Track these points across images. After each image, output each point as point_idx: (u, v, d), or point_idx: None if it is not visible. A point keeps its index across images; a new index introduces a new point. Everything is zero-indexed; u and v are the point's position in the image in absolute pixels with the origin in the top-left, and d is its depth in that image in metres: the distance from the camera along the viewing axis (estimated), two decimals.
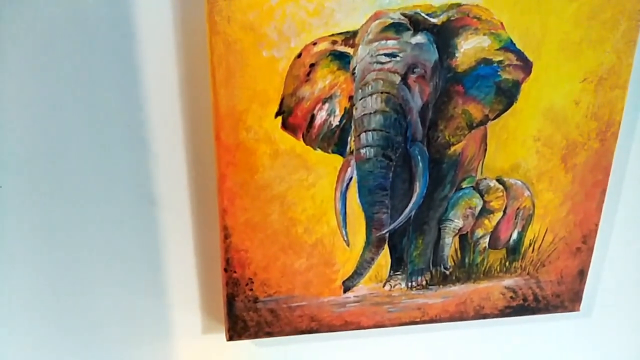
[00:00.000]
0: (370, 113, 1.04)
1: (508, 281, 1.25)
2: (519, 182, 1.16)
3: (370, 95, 1.03)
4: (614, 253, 1.32)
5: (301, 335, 1.21)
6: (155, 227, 1.12)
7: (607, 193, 1.19)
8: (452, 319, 1.26)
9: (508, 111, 1.09)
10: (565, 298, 1.29)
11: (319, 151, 1.06)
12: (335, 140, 1.06)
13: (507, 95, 1.08)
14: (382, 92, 1.03)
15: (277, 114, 1.02)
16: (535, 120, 1.11)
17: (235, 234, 1.09)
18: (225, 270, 1.12)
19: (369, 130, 1.05)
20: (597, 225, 1.22)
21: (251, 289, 1.15)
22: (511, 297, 1.27)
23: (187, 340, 1.24)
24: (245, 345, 1.26)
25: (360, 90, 1.03)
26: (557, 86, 1.09)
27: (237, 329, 1.18)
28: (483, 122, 1.09)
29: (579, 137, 1.14)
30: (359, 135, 1.06)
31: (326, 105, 1.04)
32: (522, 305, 1.28)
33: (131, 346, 1.22)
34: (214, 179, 1.06)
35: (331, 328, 1.22)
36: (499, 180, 1.15)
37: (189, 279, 1.18)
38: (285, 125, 1.03)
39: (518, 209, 1.18)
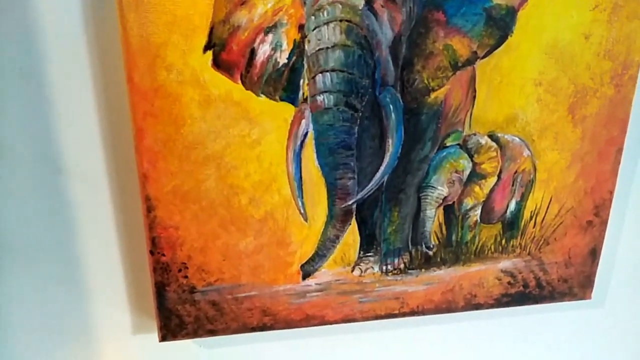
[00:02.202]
0: (327, 48, 0.82)
1: (505, 263, 1.03)
2: (517, 138, 0.94)
3: (326, 24, 0.80)
4: (633, 228, 1.10)
5: (253, 333, 0.99)
6: (65, 202, 0.89)
7: (624, 153, 0.98)
8: (437, 310, 1.04)
9: (501, 47, 0.87)
10: (574, 283, 1.07)
11: (263, 98, 0.84)
12: (284, 84, 0.84)
13: (500, 26, 0.86)
14: (341, 20, 0.80)
15: (205, 48, 0.79)
16: (535, 59, 0.89)
17: (160, 206, 0.87)
18: (152, 252, 0.90)
19: (327, 71, 0.83)
20: (611, 193, 1.01)
21: (185, 276, 0.92)
22: (509, 283, 1.04)
23: (115, 341, 1.01)
24: (184, 346, 1.03)
25: (312, 18, 0.80)
26: (562, 15, 0.87)
27: (171, 326, 0.95)
28: (470, 61, 0.87)
29: (590, 81, 0.92)
30: (313, 78, 0.83)
31: (269, 37, 0.81)
32: (522, 293, 1.05)
33: (46, 351, 0.99)
34: (130, 135, 0.83)
35: (289, 324, 0.99)
36: (492, 137, 0.93)
37: (111, 266, 0.96)
38: (217, 63, 0.81)
39: (516, 173, 0.96)
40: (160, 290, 0.92)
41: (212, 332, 0.97)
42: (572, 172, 0.98)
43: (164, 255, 0.90)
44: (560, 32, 0.88)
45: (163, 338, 0.96)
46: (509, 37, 0.87)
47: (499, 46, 0.87)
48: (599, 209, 1.02)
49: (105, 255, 0.94)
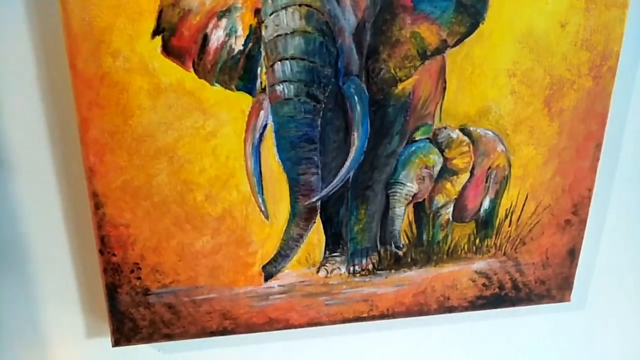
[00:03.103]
0: (286, 34, 0.76)
1: (479, 264, 0.98)
2: (490, 132, 0.89)
3: (284, 8, 0.75)
4: (613, 227, 1.05)
5: (214, 337, 0.93)
6: (9, 198, 0.84)
7: (604, 149, 0.93)
8: (409, 313, 0.99)
9: (473, 35, 0.82)
10: (552, 285, 1.02)
11: (217, 87, 0.79)
12: (240, 72, 0.79)
13: (471, 13, 0.81)
14: (300, 5, 0.75)
15: (154, 33, 0.74)
16: (509, 48, 0.84)
17: (109, 202, 0.81)
18: (101, 252, 0.84)
19: (286, 59, 0.78)
20: (590, 191, 0.96)
21: (138, 278, 0.87)
22: (484, 285, 1.00)
23: (68, 345, 0.96)
24: (141, 351, 0.97)
25: (269, 2, 0.75)
26: (537, 2, 0.82)
27: (125, 330, 0.90)
28: (440, 49, 0.82)
29: (567, 72, 0.87)
30: (272, 66, 0.78)
31: (223, 22, 0.76)
32: (498, 295, 1.01)
33: None
34: (75, 126, 0.78)
35: (251, 328, 0.94)
36: (464, 130, 0.88)
37: (62, 266, 0.90)
38: (167, 50, 0.75)
39: (489, 169, 0.92)
40: (111, 292, 0.87)
41: (169, 337, 0.92)
42: (549, 168, 0.93)
43: (114, 255, 0.85)
44: (535, 19, 0.83)
45: (116, 343, 0.90)
46: (481, 25, 0.82)
47: (470, 34, 0.82)
48: (578, 208, 0.97)
49: (55, 255, 0.89)
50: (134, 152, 0.79)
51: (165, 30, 0.74)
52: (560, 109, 0.90)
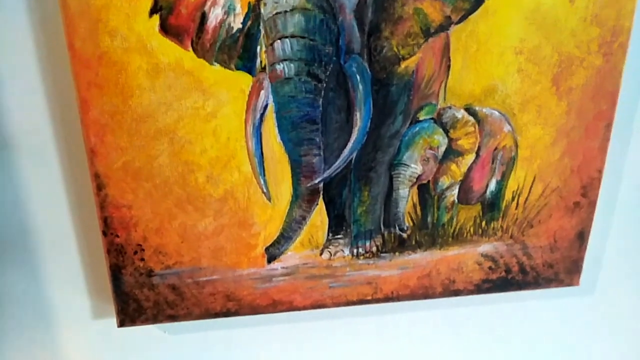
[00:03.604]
0: (286, 11, 0.75)
1: (485, 247, 0.96)
2: (496, 112, 0.87)
3: None
4: (623, 210, 1.03)
5: (219, 319, 0.94)
6: (14, 181, 0.84)
7: (614, 128, 0.90)
8: (413, 296, 0.98)
9: (477, 12, 0.80)
10: (560, 269, 1.00)
11: (217, 66, 0.78)
12: (239, 51, 0.78)
13: None
14: None
15: (151, 12, 0.74)
16: (515, 25, 0.82)
17: (111, 183, 0.81)
18: (104, 233, 0.84)
19: (286, 37, 0.77)
20: (600, 172, 0.94)
21: (142, 259, 0.87)
22: (490, 268, 0.98)
23: (75, 326, 0.97)
24: (147, 331, 0.98)
25: None
26: None
27: (129, 311, 0.90)
28: (444, 26, 0.80)
29: (576, 49, 0.85)
30: (272, 44, 0.77)
31: (221, 0, 0.75)
32: (504, 279, 0.99)
33: (3, 337, 0.95)
34: (75, 107, 0.78)
35: (255, 309, 0.94)
36: (469, 110, 0.86)
37: (68, 247, 0.91)
38: (165, 28, 0.75)
39: (496, 149, 0.90)
40: (115, 273, 0.87)
41: (173, 318, 0.92)
42: (557, 149, 0.91)
43: (117, 236, 0.85)
44: None
45: (121, 323, 0.91)
46: (486, 1, 0.80)
47: (474, 10, 0.80)
48: (587, 189, 0.95)
49: (61, 236, 0.89)
50: (134, 133, 0.79)
51: (162, 8, 0.74)
52: (569, 87, 0.87)
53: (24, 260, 0.90)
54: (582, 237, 0.98)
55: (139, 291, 0.89)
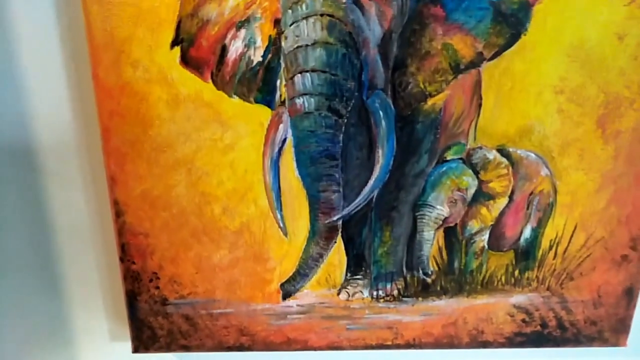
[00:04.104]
0: (307, 45, 0.73)
1: (518, 298, 0.89)
2: (532, 154, 0.80)
3: (305, 18, 0.72)
4: None
5: (234, 353, 0.92)
6: (40, 203, 0.87)
7: None
8: (437, 345, 0.91)
9: (513, 48, 0.75)
10: (604, 327, 0.91)
11: (236, 99, 0.77)
12: (259, 85, 0.77)
13: (511, 23, 0.74)
14: (322, 15, 0.72)
15: (173, 44, 0.74)
16: (555, 62, 0.76)
17: (129, 211, 0.82)
18: (121, 259, 0.85)
19: (307, 71, 0.75)
20: None
21: (157, 287, 0.87)
22: (524, 321, 0.90)
23: (94, 348, 0.98)
24: (163, 358, 0.97)
25: (290, 12, 0.72)
26: (588, 11, 0.74)
27: (144, 338, 0.90)
28: (475, 63, 0.76)
29: (625, 90, 0.77)
30: (292, 78, 0.75)
31: (242, 33, 0.74)
32: (539, 334, 0.91)
33: (27, 353, 0.98)
34: (98, 135, 0.79)
35: (268, 346, 0.91)
36: (502, 151, 0.80)
37: (87, 271, 0.92)
38: (185, 60, 0.75)
39: (532, 194, 0.83)
40: (131, 299, 0.87)
41: (186, 348, 0.91)
42: (602, 196, 0.83)
43: (134, 263, 0.85)
44: (587, 31, 0.74)
45: (135, 349, 0.91)
46: (522, 36, 0.74)
47: (510, 46, 0.75)
48: (637, 242, 0.85)
49: (83, 262, 0.91)
50: (153, 162, 0.80)
51: (184, 40, 0.74)
52: (616, 130, 0.79)
53: (48, 282, 0.92)
54: (630, 293, 0.89)
55: (153, 319, 0.89)
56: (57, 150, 0.83)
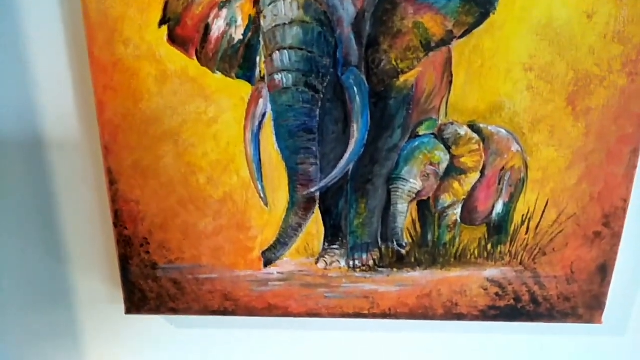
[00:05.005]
0: (285, 24, 0.78)
1: (492, 271, 0.92)
2: (503, 130, 0.83)
3: None
4: None
5: (223, 317, 0.97)
6: (44, 171, 0.94)
7: None
8: (413, 315, 0.95)
9: (482, 26, 0.78)
10: (578, 303, 0.93)
11: (219, 75, 0.82)
12: (240, 61, 0.81)
13: (480, 2, 0.77)
14: None
15: (160, 23, 0.79)
16: (524, 40, 0.78)
17: (122, 179, 0.88)
18: (115, 225, 0.91)
19: (284, 49, 0.79)
20: (626, 201, 0.86)
21: (147, 252, 0.93)
22: (497, 295, 0.93)
23: (88, 309, 1.05)
24: (155, 321, 1.04)
25: None
26: None
27: (135, 300, 0.96)
28: (445, 41, 0.79)
29: (595, 68, 0.79)
30: (270, 55, 0.80)
31: (224, 12, 0.79)
32: (513, 308, 0.94)
33: (25, 313, 1.05)
34: (94, 108, 0.85)
35: (251, 311, 0.96)
36: (473, 127, 0.83)
37: (86, 237, 0.99)
38: (172, 38, 0.80)
39: (503, 169, 0.86)
40: (124, 263, 0.94)
41: (174, 311, 0.97)
42: (573, 173, 0.85)
43: (126, 228, 0.91)
44: (556, 9, 0.77)
45: (128, 311, 0.97)
46: (492, 15, 0.77)
47: (479, 25, 0.78)
48: (610, 219, 0.87)
49: (80, 227, 0.98)
50: (143, 134, 0.85)
51: (170, 20, 0.79)
52: (587, 107, 0.81)
53: (48, 244, 1.00)
54: (604, 270, 0.90)
55: (144, 282, 0.95)
56: (59, 123, 0.90)
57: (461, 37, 0.79)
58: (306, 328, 1.01)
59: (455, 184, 0.87)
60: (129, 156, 0.87)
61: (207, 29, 0.80)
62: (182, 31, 0.80)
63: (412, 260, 0.91)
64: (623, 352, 1.02)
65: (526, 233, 0.89)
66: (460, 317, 0.95)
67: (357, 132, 0.83)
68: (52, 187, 0.95)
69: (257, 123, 0.84)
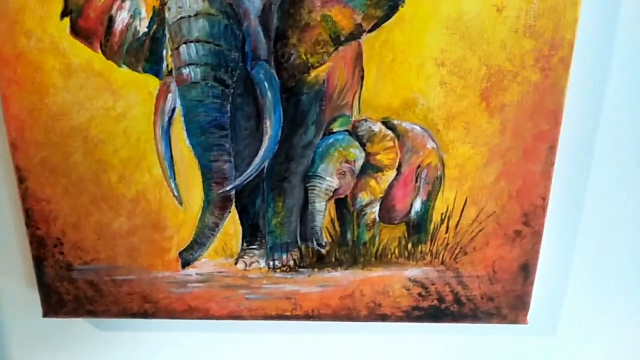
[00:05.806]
0: (190, 16, 0.76)
1: (413, 271, 0.90)
2: (418, 127, 0.82)
3: None
4: (585, 242, 0.92)
5: (136, 319, 0.94)
6: None
7: (559, 152, 0.82)
8: (336, 317, 0.93)
9: (392, 19, 0.76)
10: (502, 303, 0.91)
11: (125, 68, 0.80)
12: (146, 54, 0.79)
13: None
14: None
15: (62, 15, 0.77)
16: (435, 34, 0.77)
17: (31, 177, 0.86)
18: (27, 225, 0.88)
19: (191, 42, 0.77)
20: (544, 199, 0.85)
21: (61, 252, 0.90)
22: (420, 295, 0.91)
23: (6, 312, 1.01)
24: (78, 324, 1.01)
25: None
26: None
27: (52, 303, 0.94)
28: (355, 34, 0.77)
29: (507, 63, 0.78)
30: (177, 48, 0.78)
31: (127, 3, 0.77)
32: (437, 308, 0.92)
33: None
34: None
35: (171, 314, 0.94)
36: (387, 124, 0.82)
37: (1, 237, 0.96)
38: (75, 31, 0.78)
39: (419, 167, 0.84)
40: (38, 264, 0.91)
41: (93, 314, 0.94)
42: (491, 170, 0.84)
43: (39, 228, 0.89)
44: (465, 2, 0.76)
45: (45, 314, 0.94)
46: (400, 8, 0.76)
47: (388, 18, 0.76)
48: (529, 217, 0.86)
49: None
50: (50, 130, 0.83)
51: (72, 11, 0.77)
52: (501, 104, 0.80)
53: None
54: (526, 270, 0.89)
55: (59, 284, 0.92)
56: None
57: (371, 30, 0.77)
58: (229, 330, 0.98)
59: (372, 182, 0.85)
60: (37, 153, 0.84)
61: (111, 21, 0.78)
62: (85, 23, 0.78)
63: (333, 260, 0.89)
64: (550, 352, 1.00)
65: (446, 232, 0.87)
66: (384, 317, 0.93)
67: (271, 129, 0.81)
68: None
69: (166, 119, 0.82)
